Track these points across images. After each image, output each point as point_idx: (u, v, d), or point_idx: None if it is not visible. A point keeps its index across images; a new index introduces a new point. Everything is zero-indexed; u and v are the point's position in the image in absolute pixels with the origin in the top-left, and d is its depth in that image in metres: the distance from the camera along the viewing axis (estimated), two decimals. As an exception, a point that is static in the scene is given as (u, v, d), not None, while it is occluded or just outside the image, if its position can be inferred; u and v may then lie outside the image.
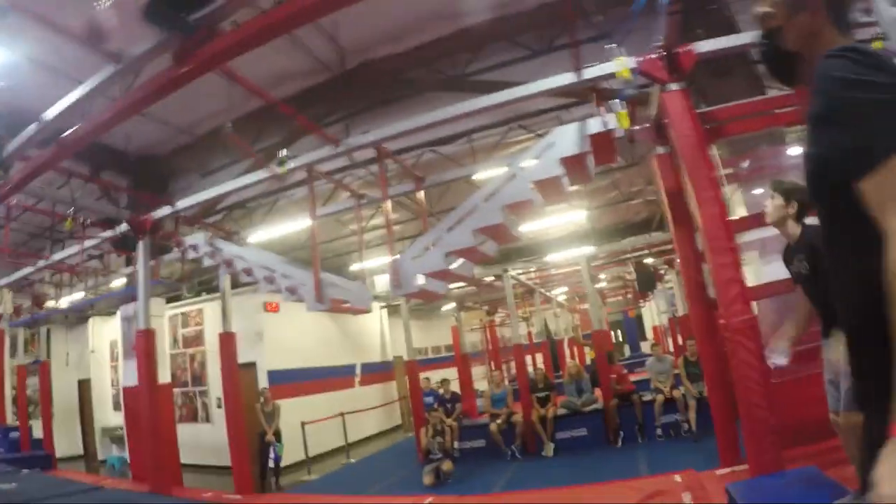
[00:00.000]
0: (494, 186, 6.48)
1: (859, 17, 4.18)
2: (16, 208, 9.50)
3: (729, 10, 8.15)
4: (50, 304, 14.46)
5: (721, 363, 6.55)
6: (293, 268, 7.94)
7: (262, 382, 13.38)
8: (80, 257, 9.96)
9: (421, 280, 6.81)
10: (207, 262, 8.73)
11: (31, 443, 13.74)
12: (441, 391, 13.03)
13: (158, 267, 9.53)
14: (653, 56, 5.82)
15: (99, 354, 16.67)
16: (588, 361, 18.08)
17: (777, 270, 5.66)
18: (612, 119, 6.04)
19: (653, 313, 27.13)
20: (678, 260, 16.68)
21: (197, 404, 14.35)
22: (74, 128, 6.11)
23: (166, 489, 8.08)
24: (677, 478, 5.86)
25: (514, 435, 11.24)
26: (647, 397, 10.93)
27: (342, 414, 14.14)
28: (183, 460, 9.81)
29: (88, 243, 9.33)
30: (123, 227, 8.76)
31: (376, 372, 19.12)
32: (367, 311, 8.69)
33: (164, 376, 9.32)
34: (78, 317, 16.63)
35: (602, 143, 6.28)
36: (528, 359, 18.35)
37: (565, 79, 6.12)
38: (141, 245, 8.45)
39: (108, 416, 16.19)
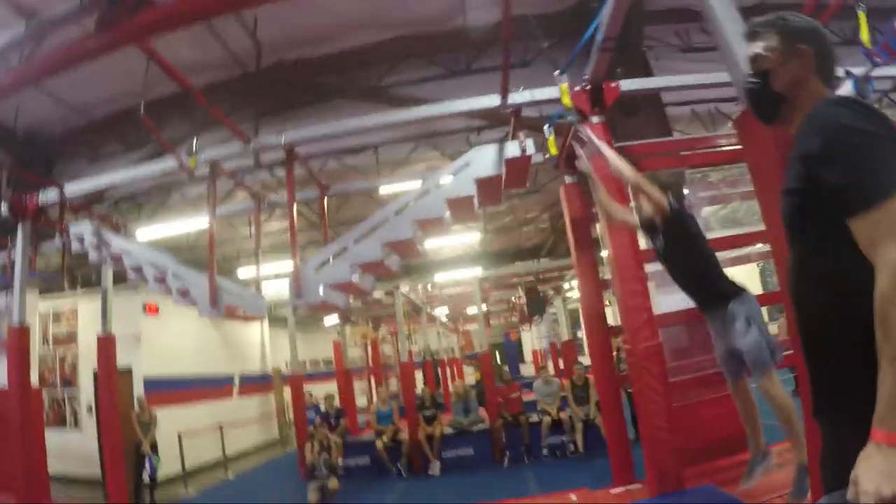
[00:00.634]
0: (406, 200, 6.44)
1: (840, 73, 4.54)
2: None
3: (645, 54, 8.58)
4: None
5: (615, 387, 6.84)
6: (186, 269, 7.52)
7: (138, 390, 12.60)
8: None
9: (323, 291, 6.64)
10: (93, 256, 8.04)
11: None
12: (325, 406, 12.75)
13: (36, 257, 8.73)
14: (577, 88, 6.02)
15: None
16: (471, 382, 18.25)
17: (675, 301, 5.99)
18: (530, 144, 6.15)
19: (532, 338, 27.91)
20: (566, 286, 17.54)
21: (65, 409, 13.27)
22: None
23: (36, 501, 7.40)
24: (573, 496, 6.01)
25: (401, 453, 11.15)
26: (534, 419, 11.13)
27: (220, 425, 13.58)
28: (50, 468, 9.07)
29: (-43, 223, 8.41)
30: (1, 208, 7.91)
31: (255, 383, 18.59)
32: (262, 317, 8.42)
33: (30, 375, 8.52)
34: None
35: (517, 168, 6.36)
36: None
37: (490, 101, 6.19)
38: (21, 230, 7.70)
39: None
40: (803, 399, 3.11)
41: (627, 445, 6.59)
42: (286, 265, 15.64)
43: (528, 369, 25.65)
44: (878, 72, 5.19)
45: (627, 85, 6.19)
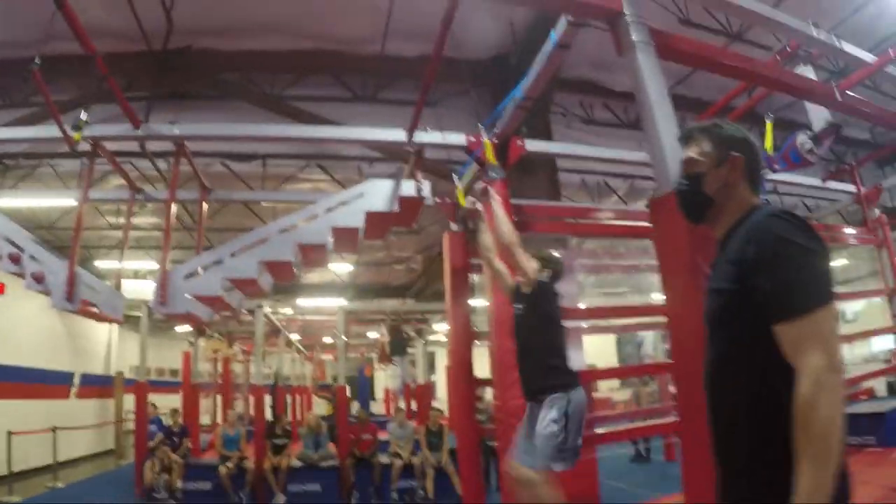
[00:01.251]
0: (292, 221, 6.22)
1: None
2: None
3: (548, 119, 8.82)
4: None
5: (475, 437, 6.80)
6: (46, 252, 6.82)
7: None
8: None
9: (189, 302, 6.24)
10: None
11: None
12: (170, 422, 11.96)
13: None
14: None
15: None
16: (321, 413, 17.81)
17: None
18: (427, 187, 6.12)
19: (386, 376, 27.66)
20: (429, 330, 17.57)
21: None
22: None
23: None
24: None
25: (245, 481, 10.58)
26: (384, 460, 10.92)
27: (55, 428, 12.43)
28: None
29: None
30: None
31: (96, 385, 17.35)
32: (120, 321, 7.78)
33: None
34: None
35: (409, 208, 6.31)
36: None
37: (396, 135, 6.10)
38: None
39: None
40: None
41: (482, 495, 6.54)
42: (147, 264, 14.97)
43: (377, 407, 25.39)
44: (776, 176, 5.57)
45: (533, 146, 6.26)
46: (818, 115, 5.94)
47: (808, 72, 5.96)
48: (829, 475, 1.38)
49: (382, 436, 12.06)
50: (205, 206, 7.78)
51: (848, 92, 5.58)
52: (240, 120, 7.11)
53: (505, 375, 5.37)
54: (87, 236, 13.97)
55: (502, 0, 7.41)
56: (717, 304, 1.75)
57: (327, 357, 26.55)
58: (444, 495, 9.72)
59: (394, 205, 6.08)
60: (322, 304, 15.01)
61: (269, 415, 13.52)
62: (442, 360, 24.10)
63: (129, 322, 18.36)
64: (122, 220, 12.59)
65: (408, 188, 6.06)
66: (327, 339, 22.61)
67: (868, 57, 5.90)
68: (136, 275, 15.71)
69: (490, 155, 5.39)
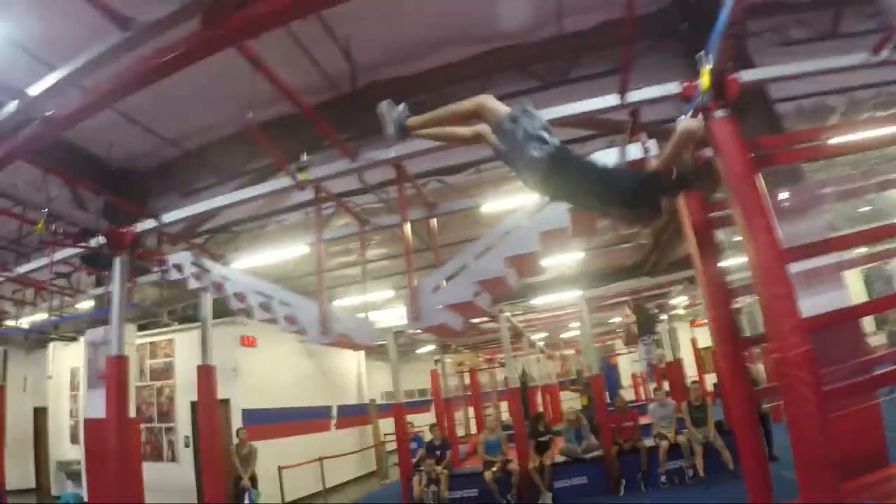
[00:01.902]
0: (529, 213, 6.20)
1: None
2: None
3: (746, 50, 8.14)
4: (9, 322, 13.44)
5: (751, 403, 6.33)
6: (293, 295, 7.45)
7: (236, 422, 12.68)
8: (48, 272, 8.99)
9: (442, 312, 6.41)
10: (193, 285, 8.07)
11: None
12: (431, 437, 12.48)
13: (133, 289, 8.84)
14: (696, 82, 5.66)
15: (57, 381, 15.50)
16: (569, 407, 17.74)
17: (820, 303, 5.51)
18: (653, 145, 5.83)
19: (628, 362, 27.19)
20: (672, 304, 16.90)
21: (162, 441, 13.43)
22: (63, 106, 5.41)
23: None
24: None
25: (510, 484, 10.77)
26: (649, 443, 10.60)
27: (321, 458, 13.52)
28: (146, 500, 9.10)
29: (58, 256, 8.57)
30: (98, 240, 7.93)
31: (352, 414, 18.52)
32: (371, 346, 8.23)
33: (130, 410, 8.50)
34: (38, 339, 15.24)
35: (642, 170, 6.06)
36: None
37: (608, 101, 5.90)
38: (118, 261, 7.71)
39: (65, 448, 15.05)
40: None
41: (766, 466, 6.06)
42: (382, 295, 15.81)
43: (627, 394, 24.87)
44: None
45: (747, 76, 5.77)
46: None
47: None
48: None
49: (643, 420, 11.74)
50: (433, 222, 8.03)
51: None
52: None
53: (780, 324, 4.94)
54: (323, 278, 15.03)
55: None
56: None
57: (569, 352, 26.53)
58: (714, 472, 9.20)
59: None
60: (558, 298, 14.90)
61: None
62: (686, 335, 23.16)
63: (374, 353, 19.54)
64: (349, 259, 13.43)
65: (634, 151, 5.81)
66: (566, 335, 22.57)
67: None
68: (376, 307, 16.62)
69: (705, 81, 4.93)
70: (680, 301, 18.42)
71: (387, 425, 17.15)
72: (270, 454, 12.24)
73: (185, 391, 12.39)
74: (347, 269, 13.80)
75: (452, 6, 7.93)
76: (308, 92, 8.51)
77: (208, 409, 9.09)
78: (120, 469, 7.40)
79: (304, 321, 7.09)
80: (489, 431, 11.93)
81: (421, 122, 4.10)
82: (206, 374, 9.14)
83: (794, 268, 5.19)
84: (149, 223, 7.76)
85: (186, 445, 12.73)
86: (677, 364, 15.45)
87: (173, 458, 13.19)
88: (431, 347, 18.72)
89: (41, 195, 8.00)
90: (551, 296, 15.07)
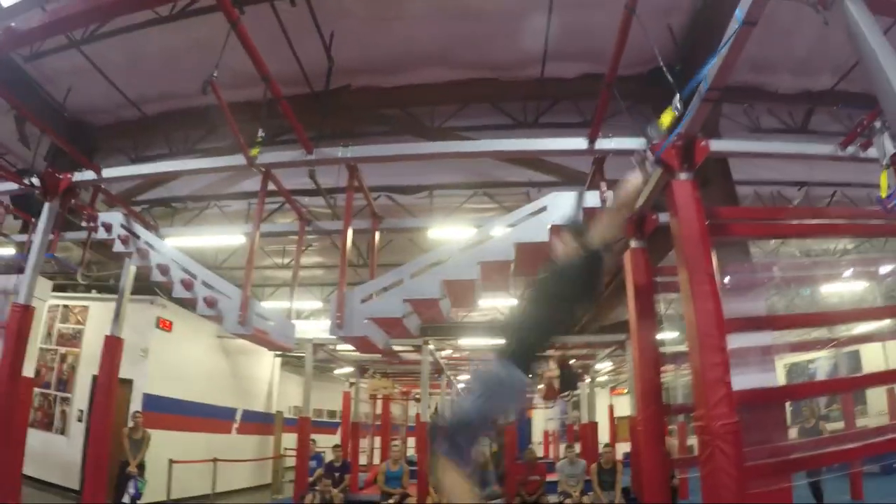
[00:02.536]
0: (475, 239, 6.07)
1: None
2: None
3: (718, 125, 8.29)
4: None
5: (666, 472, 6.28)
6: (218, 279, 7.05)
7: (136, 405, 12.06)
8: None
9: (366, 325, 6.17)
10: (118, 248, 7.51)
11: None
12: (332, 458, 12.10)
13: (56, 241, 8.28)
14: (667, 143, 5.66)
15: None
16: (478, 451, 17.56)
17: (749, 381, 5.50)
18: (612, 196, 5.78)
19: (542, 418, 27.29)
20: (597, 366, 16.96)
21: (55, 411, 12.61)
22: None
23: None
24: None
25: (406, 519, 10.44)
26: (553, 499, 10.46)
27: (216, 459, 12.96)
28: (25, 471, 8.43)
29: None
30: (32, 181, 7.34)
31: (257, 422, 17.93)
32: (290, 347, 7.90)
33: (27, 369, 7.74)
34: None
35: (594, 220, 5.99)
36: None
37: (577, 143, 5.86)
38: (47, 207, 7.11)
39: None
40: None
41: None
42: (311, 304, 15.45)
43: (537, 450, 24.83)
44: None
45: (717, 145, 5.81)
46: None
47: None
48: None
49: (550, 477, 11.62)
50: (376, 237, 7.84)
51: None
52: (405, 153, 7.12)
53: (710, 393, 4.88)
54: (254, 276, 14.63)
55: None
56: None
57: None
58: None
59: (579, 216, 5.78)
60: (486, 343, 14.82)
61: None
62: (604, 400, 23.33)
63: (289, 364, 19.05)
64: (287, 261, 13.11)
65: (591, 199, 5.75)
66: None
67: None
68: (299, 315, 16.25)
69: (666, 119, 4.86)
70: (604, 366, 18.54)
71: (289, 440, 16.63)
72: (164, 445, 11.67)
73: (89, 363, 11.70)
74: (280, 270, 13.47)
75: (444, 26, 7.87)
76: (280, 81, 8.30)
77: (108, 383, 8.39)
78: (5, 430, 6.77)
79: (223, 307, 6.69)
80: (392, 462, 11.64)
81: None
82: (112, 346, 8.47)
83: (730, 343, 5.15)
84: (87, 174, 7.27)
85: (79, 420, 11.98)
86: (592, 427, 15.41)
87: (63, 431, 12.38)
88: (349, 370, 18.33)
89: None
90: (480, 339, 14.94)
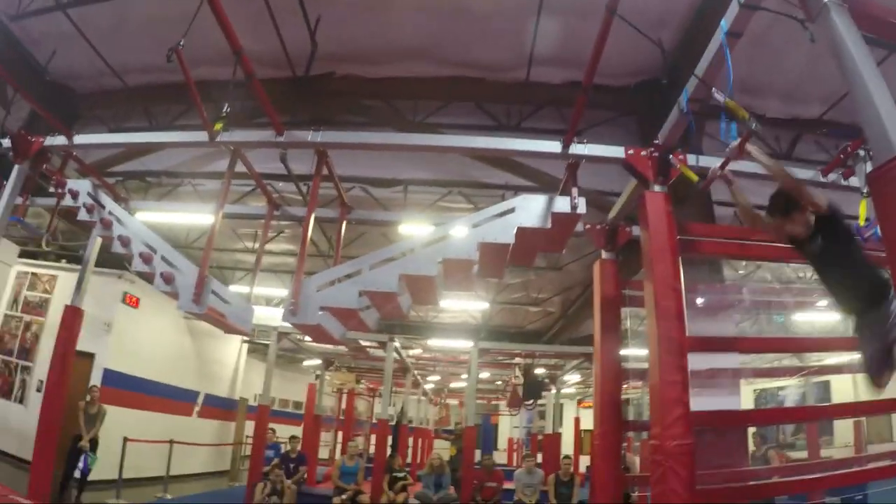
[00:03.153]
0: (438, 235, 5.89)
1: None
2: None
3: (702, 144, 8.18)
4: None
5: (620, 487, 6.17)
6: (178, 256, 6.81)
7: (96, 380, 11.81)
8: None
9: (320, 314, 5.97)
10: (83, 216, 7.28)
11: None
12: (288, 448, 11.90)
13: (25, 207, 8.04)
14: (644, 152, 5.54)
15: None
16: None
17: (711, 405, 5.37)
18: (582, 203, 5.63)
19: (508, 425, 27.23)
20: (565, 378, 16.88)
21: (14, 379, 12.42)
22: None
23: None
24: None
25: (358, 515, 10.25)
26: (507, 508, 10.35)
27: (171, 441, 12.72)
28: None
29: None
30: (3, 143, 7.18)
31: (218, 407, 17.68)
32: (245, 332, 7.66)
33: None
34: None
35: (562, 226, 5.82)
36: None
37: (551, 146, 5.68)
38: (16, 169, 6.90)
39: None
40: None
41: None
42: (280, 292, 15.20)
43: (500, 457, 24.72)
44: None
45: (694, 160, 5.69)
46: None
47: None
48: None
49: (507, 485, 11.49)
50: (343, 226, 7.64)
51: None
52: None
53: (667, 412, 4.73)
54: (223, 259, 14.43)
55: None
56: None
57: (452, 402, 26.30)
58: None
59: (547, 221, 5.62)
60: (454, 345, 14.68)
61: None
62: (570, 413, 23.29)
63: (257, 352, 18.83)
64: (253, 245, 12.92)
65: (562, 204, 5.59)
66: (455, 385, 22.36)
67: None
68: (269, 302, 16.02)
69: (739, 110, 4.58)
70: (571, 378, 18.46)
71: (252, 428, 16.43)
72: (121, 423, 11.49)
73: (53, 333, 11.28)
74: (252, 255, 13.27)
75: (433, 21, 7.72)
76: (264, 63, 8.11)
77: (64, 353, 8.17)
78: None
79: (180, 284, 6.45)
80: (348, 458, 11.47)
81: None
82: (72, 316, 8.23)
83: (694, 364, 5.01)
84: (59, 139, 7.06)
85: (38, 390, 11.69)
86: (555, 438, 15.34)
87: (21, 400, 12.24)
88: (317, 362, 18.12)
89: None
90: (446, 340, 14.81)
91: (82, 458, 9.60)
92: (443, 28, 7.84)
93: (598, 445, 6.29)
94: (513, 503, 10.48)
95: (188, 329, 15.43)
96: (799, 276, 9.63)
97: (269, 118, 6.07)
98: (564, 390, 19.86)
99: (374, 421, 21.38)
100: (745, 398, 18.75)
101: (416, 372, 17.77)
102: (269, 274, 14.29)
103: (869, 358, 3.88)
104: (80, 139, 7.07)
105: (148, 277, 6.77)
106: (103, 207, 7.03)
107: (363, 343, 14.00)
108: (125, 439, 11.42)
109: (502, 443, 27.55)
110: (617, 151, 5.59)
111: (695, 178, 5.12)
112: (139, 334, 13.44)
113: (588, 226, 6.77)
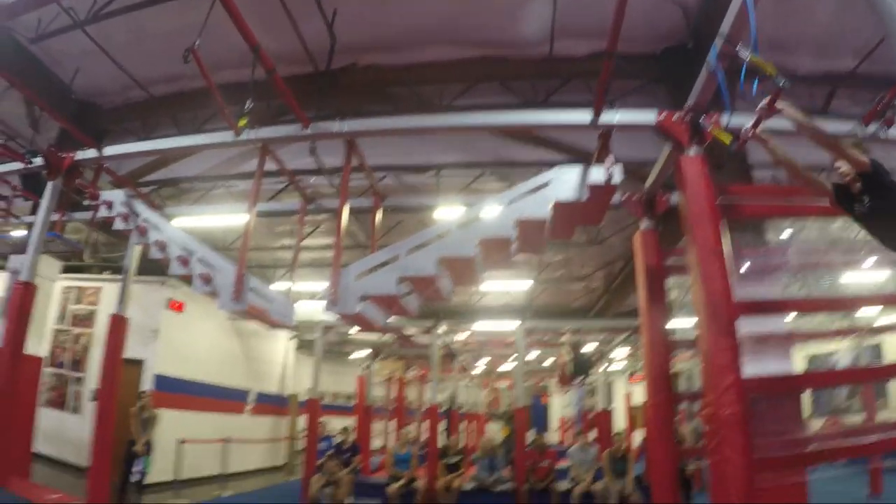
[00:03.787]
0: (473, 215, 5.84)
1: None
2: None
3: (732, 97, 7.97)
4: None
5: (673, 460, 6.06)
6: (215, 256, 6.88)
7: (146, 385, 12.09)
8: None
9: (361, 302, 5.96)
10: (119, 225, 7.40)
11: None
12: (341, 440, 11.99)
13: (62, 223, 8.21)
14: (676, 116, 5.38)
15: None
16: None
17: (762, 369, 5.22)
18: (618, 172, 5.49)
19: (559, 405, 27.17)
20: (612, 355, 16.73)
21: (68, 391, 12.74)
22: None
23: (4, 479, 6.66)
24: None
25: (413, 502, 10.33)
26: (564, 486, 10.26)
27: (226, 440, 12.93)
28: (39, 449, 8.37)
29: (-2, 168, 7.91)
30: (37, 161, 7.36)
31: (270, 404, 17.91)
32: (288, 326, 7.73)
33: (39, 349, 7.64)
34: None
35: (598, 198, 5.70)
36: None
37: (581, 117, 5.58)
38: (50, 186, 7.07)
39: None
40: None
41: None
42: (319, 286, 15.26)
43: (553, 437, 24.65)
44: None
45: (727, 120, 5.51)
46: None
47: None
48: None
49: (560, 464, 11.43)
50: (378, 214, 7.63)
51: None
52: (411, 133, 6.88)
53: (718, 379, 4.61)
54: (264, 258, 14.53)
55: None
56: None
57: (502, 385, 26.26)
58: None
59: (583, 193, 5.52)
60: (499, 327, 14.59)
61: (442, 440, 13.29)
62: (620, 390, 23.10)
63: (305, 347, 18.97)
64: (292, 242, 12.98)
65: (597, 175, 5.47)
66: (503, 367, 22.30)
67: None
68: (313, 297, 16.09)
69: (766, 66, 4.41)
70: (620, 353, 18.27)
71: (304, 423, 16.63)
72: (174, 426, 11.70)
73: (102, 343, 11.76)
74: (287, 252, 13.36)
75: (451, 2, 7.63)
76: (286, 60, 8.13)
77: (112, 361, 8.33)
78: (6, 405, 6.69)
79: (218, 283, 6.53)
80: (401, 445, 11.53)
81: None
82: (117, 325, 8.40)
83: (744, 329, 4.88)
84: (90, 153, 7.19)
85: (92, 399, 11.99)
86: (607, 415, 15.20)
87: (76, 410, 12.52)
88: (364, 354, 18.21)
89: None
90: (491, 322, 14.72)
91: (137, 462, 9.77)
92: (461, 8, 7.73)
93: (652, 418, 6.20)
94: (569, 481, 10.42)
95: (235, 330, 15.61)
96: (844, 235, 9.31)
97: (294, 114, 6.05)
98: (613, 367, 19.68)
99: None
100: (797, 365, 18.40)
101: (463, 356, 17.77)
102: (311, 269, 14.34)
103: None
104: (109, 150, 7.19)
105: (187, 280, 6.87)
106: (138, 215, 7.13)
107: (410, 330, 14.03)
108: (181, 441, 11.62)
109: (555, 423, 27.48)
110: (649, 117, 5.46)
111: (728, 139, 4.94)
112: (187, 338, 13.65)
113: (625, 196, 6.64)
